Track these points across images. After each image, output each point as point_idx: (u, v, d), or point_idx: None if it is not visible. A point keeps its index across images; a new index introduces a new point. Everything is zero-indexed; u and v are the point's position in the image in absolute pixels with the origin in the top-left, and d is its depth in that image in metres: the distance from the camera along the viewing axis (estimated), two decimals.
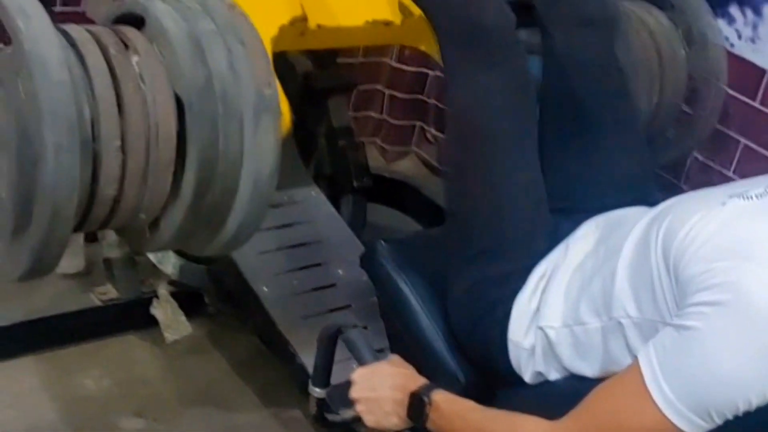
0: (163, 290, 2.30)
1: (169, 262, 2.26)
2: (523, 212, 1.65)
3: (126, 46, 1.51)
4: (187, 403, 2.19)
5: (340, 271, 2.25)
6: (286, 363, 2.09)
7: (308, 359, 2.02)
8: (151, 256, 2.26)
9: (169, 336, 2.29)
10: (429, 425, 1.47)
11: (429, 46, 2.12)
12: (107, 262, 2.31)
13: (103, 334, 2.29)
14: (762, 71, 2.26)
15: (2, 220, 1.48)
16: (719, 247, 1.25)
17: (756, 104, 2.28)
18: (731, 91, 2.30)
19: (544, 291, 1.55)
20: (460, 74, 1.74)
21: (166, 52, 1.49)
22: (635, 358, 1.30)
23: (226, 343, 2.36)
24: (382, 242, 1.81)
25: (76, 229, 1.50)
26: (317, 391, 1.71)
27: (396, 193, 2.95)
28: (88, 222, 1.51)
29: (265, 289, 2.14)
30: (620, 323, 1.41)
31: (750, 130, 2.30)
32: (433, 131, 3.24)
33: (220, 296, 2.33)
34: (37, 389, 2.15)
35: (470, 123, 1.72)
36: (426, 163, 3.26)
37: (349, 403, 1.60)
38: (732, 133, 2.34)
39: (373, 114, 3.21)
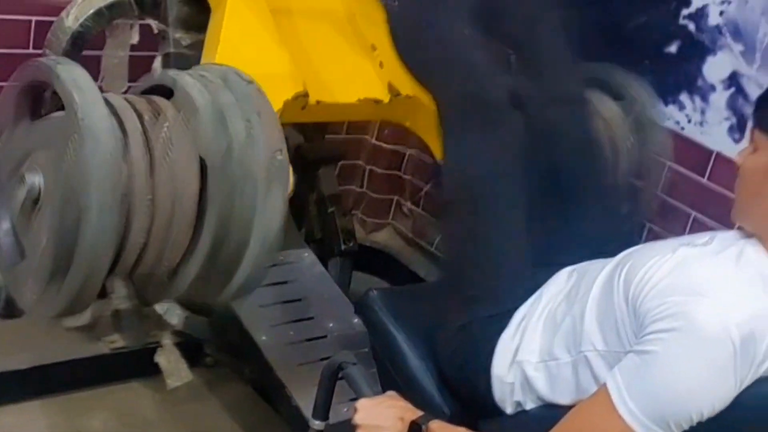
0: (167, 340, 2.49)
1: (174, 314, 2.46)
2: (511, 265, 1.88)
3: (158, 113, 1.73)
4: None
5: (330, 324, 2.46)
6: (283, 405, 2.28)
7: (303, 402, 2.23)
8: (158, 308, 2.46)
9: (171, 383, 2.47)
10: None
11: (413, 123, 2.40)
12: (116, 313, 2.50)
13: (110, 379, 2.49)
14: (710, 152, 2.52)
15: (42, 264, 1.68)
16: (671, 285, 1.49)
17: (705, 181, 2.54)
18: (683, 169, 2.57)
19: (524, 330, 1.79)
20: (461, 141, 1.98)
21: (193, 120, 1.69)
22: (603, 382, 1.53)
23: (222, 390, 2.56)
24: (374, 291, 2.04)
25: (108, 274, 1.70)
26: (317, 424, 1.90)
27: (375, 260, 3.19)
28: (118, 267, 1.69)
29: (264, 338, 2.35)
30: (588, 356, 1.64)
31: (699, 204, 2.55)
32: (409, 205, 3.48)
33: (220, 346, 2.53)
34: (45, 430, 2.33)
35: (467, 184, 1.95)
36: (401, 235, 3.49)
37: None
38: (684, 207, 2.58)
39: (354, 187, 3.45)
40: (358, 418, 1.72)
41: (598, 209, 2.02)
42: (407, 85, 2.24)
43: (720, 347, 1.41)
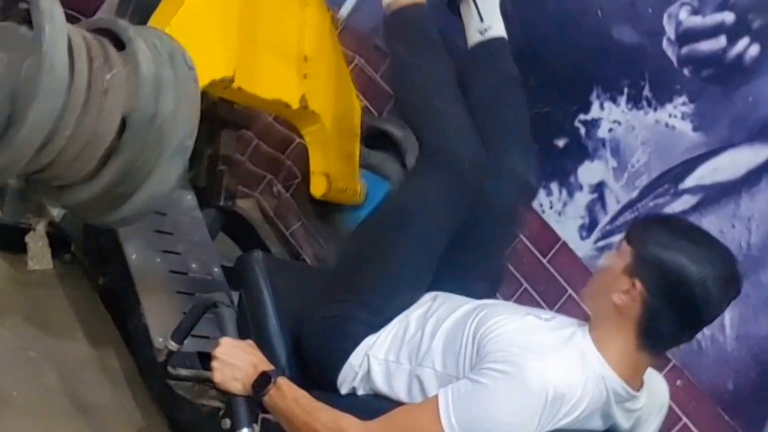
0: (41, 226, 2.64)
1: (56, 207, 2.62)
2: (401, 295, 2.16)
3: (107, 61, 1.94)
4: (31, 323, 2.49)
5: (193, 265, 2.67)
6: (132, 320, 2.45)
7: (152, 323, 2.42)
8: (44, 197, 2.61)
9: (32, 264, 2.62)
10: (267, 399, 1.93)
11: (307, 134, 2.75)
12: (2, 188, 2.63)
13: None
14: (558, 239, 2.89)
15: None
16: (514, 339, 1.82)
17: (544, 261, 2.91)
18: (530, 244, 2.93)
19: (381, 331, 2.07)
20: (422, 180, 2.25)
21: (133, 80, 1.94)
22: (437, 393, 1.82)
23: (72, 287, 2.71)
24: (260, 252, 2.29)
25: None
26: (172, 344, 2.14)
27: (235, 225, 3.41)
28: (21, 170, 1.91)
29: (133, 256, 2.53)
30: (425, 372, 1.95)
31: (533, 279, 2.91)
32: (280, 187, 3.71)
33: (86, 249, 2.70)
34: None
35: (412, 217, 2.20)
36: (263, 211, 3.71)
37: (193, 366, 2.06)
38: (519, 277, 2.94)
39: (237, 154, 3.66)
40: (218, 352, 1.96)
41: (491, 276, 2.31)
42: (317, 103, 2.63)
43: (535, 396, 1.74)
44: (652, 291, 1.80)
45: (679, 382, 2.58)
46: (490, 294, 2.20)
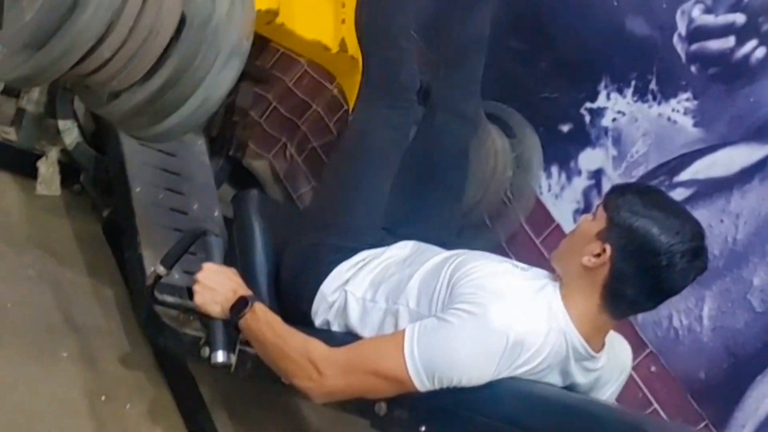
0: (53, 153, 2.74)
1: (71, 135, 2.72)
2: (366, 210, 2.26)
3: None
4: (32, 244, 2.60)
5: (195, 206, 2.75)
6: (129, 250, 2.53)
7: (146, 253, 2.49)
8: (60, 124, 2.71)
9: (41, 189, 2.72)
10: (243, 323, 2.01)
11: (343, 78, 2.77)
12: (20, 111, 2.74)
13: None
14: (552, 221, 2.96)
15: (19, 34, 1.95)
16: (486, 283, 1.89)
17: (537, 242, 2.98)
18: (525, 225, 3.00)
19: (359, 269, 2.15)
20: (368, 105, 2.36)
21: None
22: (404, 329, 1.90)
23: (77, 217, 2.81)
24: (256, 191, 2.38)
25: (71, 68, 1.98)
26: (161, 269, 2.20)
27: (245, 180, 3.50)
28: (78, 67, 1.98)
29: (138, 189, 2.61)
30: (399, 309, 2.02)
31: (524, 257, 2.93)
32: (293, 151, 3.80)
33: (95, 180, 2.79)
34: None
35: (360, 137, 2.34)
36: (274, 172, 3.81)
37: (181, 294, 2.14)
38: (510, 253, 3.00)
39: (254, 115, 3.75)
40: (201, 276, 2.04)
41: (446, 206, 2.41)
42: (355, 48, 2.60)
43: (496, 338, 1.81)
44: (621, 255, 1.86)
45: (653, 368, 2.64)
46: (460, 242, 2.29)
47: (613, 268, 1.87)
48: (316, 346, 1.94)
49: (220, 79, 2.01)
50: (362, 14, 2.59)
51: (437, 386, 1.84)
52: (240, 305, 2.01)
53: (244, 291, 2.04)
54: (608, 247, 1.87)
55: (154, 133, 2.11)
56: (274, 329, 1.98)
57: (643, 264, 1.85)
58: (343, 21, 2.64)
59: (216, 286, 2.05)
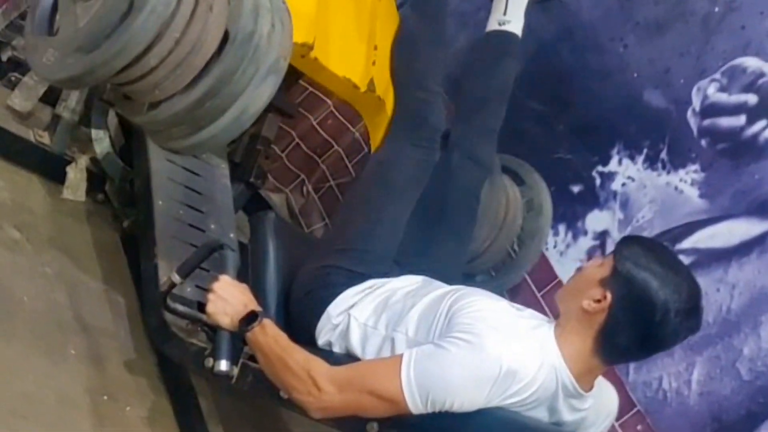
0: (83, 160, 2.85)
1: (102, 145, 2.83)
2: (383, 241, 2.36)
3: None
4: (54, 245, 2.68)
5: (212, 225, 2.83)
6: (145, 259, 2.61)
7: (162, 263, 2.57)
8: (93, 133, 2.82)
9: (67, 194, 2.82)
10: (250, 336, 2.09)
11: (369, 117, 2.88)
12: (56, 117, 2.85)
13: (20, 162, 2.80)
14: (555, 276, 3.04)
15: (72, 39, 2.07)
16: (484, 317, 1.98)
17: (538, 295, 3.06)
18: (527, 278, 3.09)
19: (366, 295, 2.24)
20: (397, 141, 2.48)
21: (234, 2, 2.13)
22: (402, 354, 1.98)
23: (98, 225, 2.90)
24: (275, 214, 2.47)
25: (115, 74, 2.09)
26: (176, 277, 2.29)
27: (259, 208, 3.59)
28: (124, 73, 2.09)
29: (160, 202, 2.70)
30: (398, 337, 2.11)
31: None
32: (310, 188, 3.91)
33: (120, 191, 2.89)
34: None
35: (385, 171, 2.45)
36: (290, 208, 3.91)
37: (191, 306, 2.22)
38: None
39: (276, 148, 3.86)
40: (216, 286, 2.13)
41: (454, 245, 2.51)
42: (383, 89, 2.74)
43: (489, 366, 1.89)
44: (619, 304, 1.94)
45: (639, 427, 2.71)
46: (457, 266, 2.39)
47: (610, 315, 1.95)
48: (319, 364, 2.02)
49: (257, 93, 2.13)
50: (399, 58, 2.74)
51: (430, 409, 1.91)
52: (249, 319, 2.09)
53: (255, 306, 2.13)
54: (609, 295, 1.95)
55: (188, 144, 2.21)
56: (280, 344, 2.06)
57: (638, 316, 1.93)
58: (374, 63, 2.76)
59: (229, 297, 2.13)
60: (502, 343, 1.91)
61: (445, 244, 2.48)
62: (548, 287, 3.05)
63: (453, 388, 1.90)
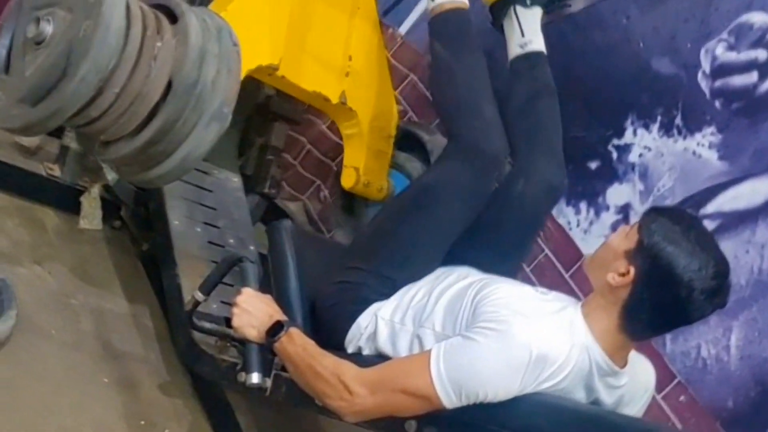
0: (96, 189, 2.84)
1: (111, 171, 2.82)
2: (419, 272, 2.29)
3: (158, 31, 2.17)
4: (75, 275, 2.68)
5: (231, 240, 2.84)
6: (167, 280, 2.62)
7: (185, 283, 2.57)
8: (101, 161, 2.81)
9: (83, 224, 2.82)
10: (278, 346, 2.08)
11: (342, 127, 2.93)
12: (64, 148, 2.84)
13: (34, 197, 2.80)
14: (581, 255, 3.00)
15: (19, 87, 2.10)
16: (508, 303, 1.95)
17: (566, 275, 3.02)
18: (554, 258, 3.05)
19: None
20: (448, 167, 2.41)
21: (180, 51, 2.15)
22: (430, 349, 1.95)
23: (117, 251, 2.90)
24: (290, 222, 2.46)
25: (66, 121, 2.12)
26: (199, 295, 2.29)
27: (277, 218, 3.57)
28: (73, 120, 2.13)
29: (176, 222, 2.71)
30: (425, 333, 2.08)
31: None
32: (327, 193, 3.88)
33: (134, 214, 2.88)
34: None
35: (435, 198, 2.36)
36: (308, 213, 3.89)
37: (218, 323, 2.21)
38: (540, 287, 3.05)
39: (289, 157, 3.85)
40: (240, 299, 2.11)
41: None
42: (356, 101, 2.83)
43: (519, 353, 1.86)
44: (643, 279, 1.90)
45: (682, 398, 2.67)
46: None
47: (634, 290, 1.91)
48: (348, 368, 2.00)
49: (201, 139, 2.17)
50: (438, 86, 2.66)
51: (464, 402, 1.89)
52: (276, 329, 2.08)
53: (280, 316, 2.11)
54: (632, 269, 1.91)
55: (143, 179, 2.28)
56: (308, 352, 2.04)
57: (662, 292, 1.89)
58: (347, 74, 2.79)
59: (253, 310, 2.12)
60: (529, 328, 1.88)
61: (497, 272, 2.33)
62: (575, 267, 3.01)
63: (485, 379, 1.87)
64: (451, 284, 2.14)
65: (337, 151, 3.85)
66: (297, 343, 2.05)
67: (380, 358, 2.14)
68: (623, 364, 1.99)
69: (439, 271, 2.28)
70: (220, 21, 2.27)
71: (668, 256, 1.89)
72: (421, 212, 2.34)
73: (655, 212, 2.01)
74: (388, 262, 2.28)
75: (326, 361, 2.01)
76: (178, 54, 2.14)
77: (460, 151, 2.42)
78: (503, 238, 2.44)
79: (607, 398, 2.00)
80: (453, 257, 2.34)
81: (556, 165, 2.55)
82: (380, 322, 2.16)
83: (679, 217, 2.02)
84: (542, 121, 2.60)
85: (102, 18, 2.01)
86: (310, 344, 2.06)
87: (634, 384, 2.04)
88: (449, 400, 1.88)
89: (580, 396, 1.97)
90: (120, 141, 2.19)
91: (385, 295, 2.23)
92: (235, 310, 2.13)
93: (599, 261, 2.02)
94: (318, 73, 2.81)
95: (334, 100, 2.83)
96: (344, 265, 2.32)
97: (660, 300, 1.89)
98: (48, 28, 2.09)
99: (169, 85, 2.14)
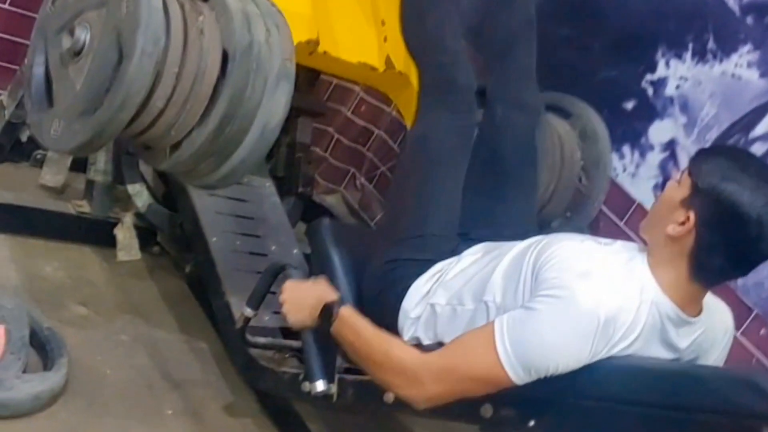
0: (128, 218, 2.78)
1: (141, 198, 2.76)
2: (440, 220, 2.24)
3: (195, 8, 2.06)
4: (122, 309, 2.64)
5: (273, 247, 2.76)
6: (215, 298, 2.55)
7: (233, 299, 2.51)
8: (129, 188, 2.75)
9: (121, 256, 2.76)
10: (333, 329, 2.00)
11: (396, 95, 2.75)
12: (90, 183, 2.78)
13: (68, 238, 2.75)
14: (633, 201, 2.89)
15: (72, 105, 1.99)
16: (569, 265, 1.83)
17: (621, 224, 2.91)
18: (606, 209, 2.94)
19: (438, 280, 2.12)
20: (429, 111, 2.34)
21: (223, 18, 2.03)
22: (492, 321, 1.85)
23: (161, 277, 2.84)
24: (328, 219, 2.37)
25: (125, 127, 2.00)
26: (248, 311, 2.22)
27: (318, 216, 3.49)
28: (134, 124, 2.01)
29: (214, 239, 2.63)
30: (487, 306, 1.98)
31: None
32: (363, 180, 3.80)
33: (171, 238, 2.82)
34: (5, 260, 2.59)
35: (425, 147, 2.31)
36: (348, 204, 3.81)
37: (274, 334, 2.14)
38: None
39: (318, 150, 3.76)
40: (284, 297, 2.12)
41: (522, 201, 2.38)
42: (401, 63, 2.60)
43: (587, 319, 1.75)
44: (706, 223, 1.78)
45: (762, 331, 2.55)
46: (529, 222, 2.26)
47: (699, 236, 1.78)
48: (410, 354, 1.92)
49: (273, 103, 2.02)
50: (408, 27, 2.59)
51: (534, 377, 1.79)
52: (328, 312, 2.00)
53: (330, 295, 2.04)
54: (692, 215, 1.79)
55: (223, 175, 2.11)
56: (361, 332, 1.97)
57: (729, 233, 1.76)
58: (385, 39, 2.63)
59: (302, 299, 2.06)
60: (594, 292, 1.77)
61: (513, 203, 2.33)
62: (629, 214, 2.91)
63: (553, 352, 1.77)
64: (505, 253, 2.03)
65: (366, 135, 3.78)
66: (349, 325, 1.97)
67: (441, 346, 2.05)
68: (697, 311, 1.88)
69: (481, 248, 2.18)
70: None
71: (730, 195, 1.75)
72: (419, 165, 2.31)
73: (705, 153, 1.89)
74: (410, 225, 2.23)
75: (382, 346, 1.93)
76: (223, 22, 2.00)
77: (432, 90, 2.42)
78: (506, 169, 2.39)
79: (687, 350, 1.89)
80: (473, 214, 2.28)
81: (529, 86, 2.53)
82: (438, 309, 2.07)
83: (731, 153, 1.90)
84: (521, 54, 2.55)
85: None
86: (363, 323, 1.98)
87: (712, 329, 1.93)
88: (518, 377, 1.79)
89: (658, 353, 1.86)
90: (191, 134, 2.01)
91: (420, 263, 2.15)
92: (285, 307, 2.07)
93: (655, 218, 1.90)
94: (358, 44, 2.63)
95: (381, 68, 2.63)
96: (378, 252, 2.25)
97: (729, 241, 1.77)
98: (84, 33, 1.97)
99: (224, 57, 1.99)
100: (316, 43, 2.46)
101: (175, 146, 2.08)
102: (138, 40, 1.87)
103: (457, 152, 2.32)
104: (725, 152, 1.92)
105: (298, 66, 2.14)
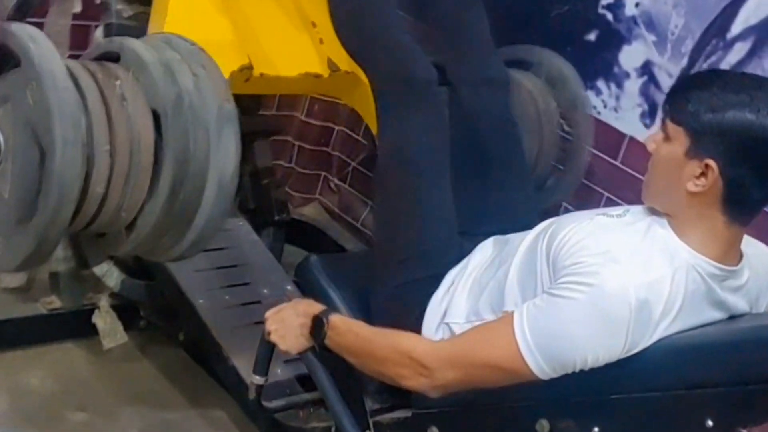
0: (104, 302, 2.57)
1: (112, 276, 2.55)
2: (437, 229, 2.03)
3: (109, 73, 1.84)
4: (124, 401, 2.45)
5: (265, 290, 2.57)
6: (219, 366, 2.38)
7: (239, 362, 2.33)
8: (96, 270, 2.54)
9: (107, 343, 2.56)
10: (328, 342, 1.81)
11: (350, 98, 2.53)
12: (54, 275, 2.57)
13: (47, 340, 2.55)
14: (623, 136, 2.70)
15: (6, 217, 1.78)
16: (587, 247, 1.63)
17: (617, 163, 2.72)
18: (597, 152, 2.74)
19: (452, 295, 1.92)
20: (394, 118, 2.12)
21: (142, 76, 1.82)
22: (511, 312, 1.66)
23: (155, 352, 2.65)
24: (314, 256, 2.16)
25: (70, 224, 1.78)
26: (257, 379, 2.01)
27: (304, 234, 3.30)
28: (79, 217, 1.79)
29: (201, 301, 2.44)
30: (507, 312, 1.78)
31: (612, 185, 2.73)
32: (336, 181, 3.61)
33: (155, 309, 2.62)
34: None
35: (401, 160, 2.09)
36: (328, 210, 3.62)
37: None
38: (597, 188, 2.76)
39: (282, 163, 3.55)
40: (268, 325, 1.89)
41: (515, 182, 2.18)
42: (346, 62, 2.38)
43: (617, 305, 1.55)
44: (728, 162, 1.59)
45: None
46: (542, 213, 2.05)
47: (727, 177, 1.59)
48: (415, 342, 1.74)
49: (222, 151, 1.82)
50: (343, 26, 2.32)
51: (560, 373, 1.60)
52: (317, 326, 1.82)
53: (315, 308, 1.85)
54: (710, 161, 1.60)
55: (191, 243, 1.90)
56: (359, 334, 1.79)
57: (755, 158, 1.58)
58: (321, 41, 2.40)
59: (287, 321, 1.87)
60: (621, 274, 1.57)
61: (506, 186, 2.14)
62: (622, 150, 2.71)
63: (581, 345, 1.57)
64: (515, 249, 1.84)
65: (326, 135, 3.58)
66: (344, 331, 1.79)
67: None
68: (738, 258, 1.69)
69: (489, 245, 1.98)
70: (163, 34, 1.97)
71: (733, 120, 1.57)
72: (400, 181, 2.09)
73: (677, 96, 1.68)
74: (409, 244, 2.03)
75: (385, 340, 1.75)
76: (143, 80, 1.80)
77: (389, 93, 2.16)
78: (489, 153, 2.19)
79: (738, 301, 1.70)
80: (469, 209, 2.09)
81: (491, 57, 2.31)
82: (456, 327, 1.87)
83: (704, 81, 1.69)
84: (473, 29, 2.31)
85: (41, 73, 1.67)
86: (358, 325, 1.81)
87: (757, 272, 1.74)
88: (542, 371, 1.59)
89: (711, 315, 1.67)
90: (143, 210, 1.82)
91: (430, 280, 1.96)
92: (273, 337, 1.88)
93: (661, 183, 1.70)
94: (294, 54, 2.40)
95: (325, 72, 2.41)
96: (380, 276, 2.05)
97: (758, 164, 1.58)
98: None
99: (155, 117, 1.79)
100: (250, 67, 2.24)
101: (130, 227, 1.88)
102: (55, 129, 1.66)
103: (435, 153, 2.09)
104: (695, 84, 1.69)
105: (238, 95, 1.94)
